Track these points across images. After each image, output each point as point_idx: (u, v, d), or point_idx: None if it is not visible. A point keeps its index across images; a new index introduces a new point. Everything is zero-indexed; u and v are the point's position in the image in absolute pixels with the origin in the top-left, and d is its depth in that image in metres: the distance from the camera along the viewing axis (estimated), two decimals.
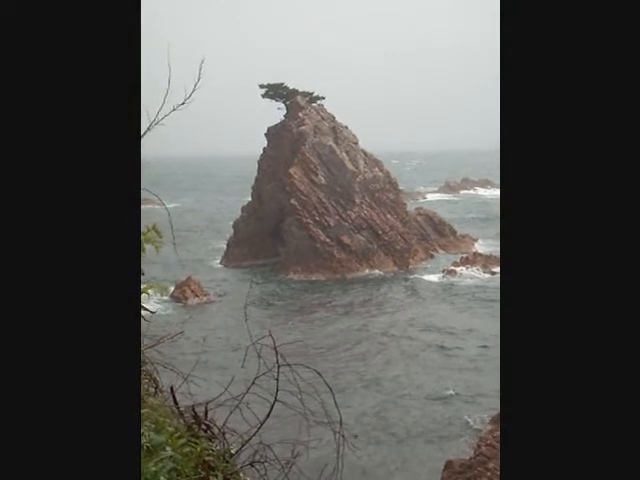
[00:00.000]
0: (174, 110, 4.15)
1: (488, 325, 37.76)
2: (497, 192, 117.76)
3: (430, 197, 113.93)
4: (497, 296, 42.85)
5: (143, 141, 3.27)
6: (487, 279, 50.98)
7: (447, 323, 40.15)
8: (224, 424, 4.13)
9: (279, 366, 4.41)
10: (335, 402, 4.70)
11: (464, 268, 53.89)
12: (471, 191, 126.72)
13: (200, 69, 4.44)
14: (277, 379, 4.43)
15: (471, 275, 52.76)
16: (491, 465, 19.11)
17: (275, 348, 4.48)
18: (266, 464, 4.11)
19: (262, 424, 4.31)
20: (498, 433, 19.95)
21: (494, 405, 24.35)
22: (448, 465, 20.80)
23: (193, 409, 3.95)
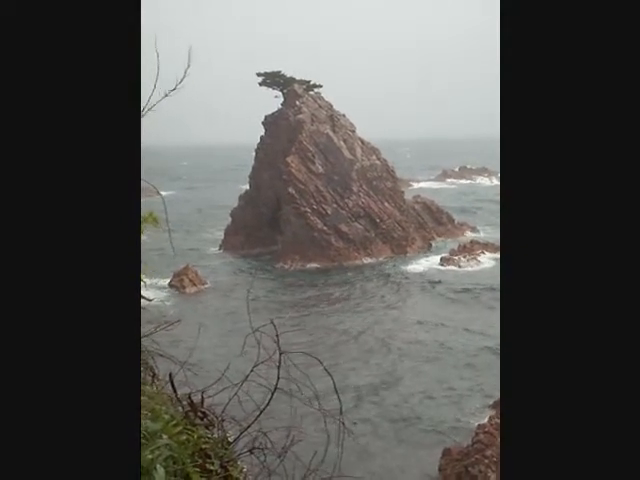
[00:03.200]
0: (166, 96, 4.13)
1: (481, 317, 37.63)
2: (491, 181, 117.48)
3: (420, 185, 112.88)
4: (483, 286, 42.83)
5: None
6: (486, 267, 50.94)
7: (444, 315, 40.13)
8: (223, 411, 4.13)
9: (280, 353, 4.39)
10: (336, 390, 4.69)
11: (462, 256, 53.90)
12: (469, 180, 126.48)
13: (189, 57, 4.41)
14: (279, 366, 4.41)
15: (469, 263, 52.75)
16: (489, 452, 19.21)
17: (277, 335, 4.47)
18: (266, 451, 4.11)
19: (262, 412, 4.31)
20: (496, 420, 20.05)
21: None
22: (446, 452, 20.90)
23: (189, 397, 3.95)
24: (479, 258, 53.63)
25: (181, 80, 4.16)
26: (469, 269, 51.66)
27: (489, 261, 52.23)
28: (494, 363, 29.53)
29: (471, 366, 30.80)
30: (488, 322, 35.51)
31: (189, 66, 4.25)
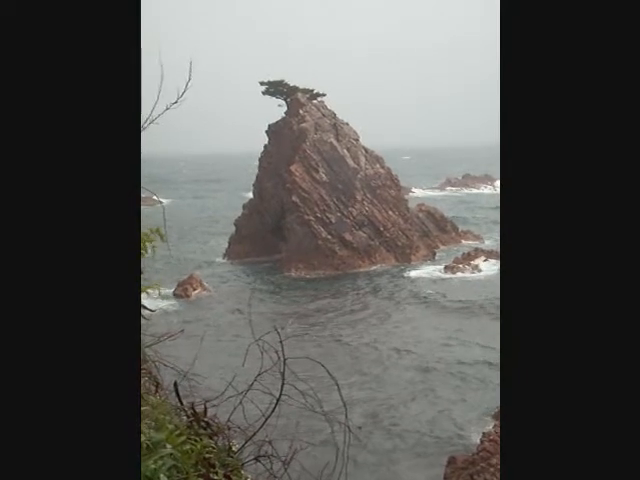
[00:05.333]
0: (167, 109, 4.16)
1: (483, 327, 37.19)
2: (494, 189, 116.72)
3: (427, 193, 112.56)
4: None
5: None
6: (490, 275, 50.71)
7: (446, 325, 39.90)
8: (228, 420, 4.12)
9: (285, 360, 4.37)
10: (341, 396, 4.67)
11: (465, 264, 53.80)
12: (472, 188, 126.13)
13: (190, 69, 4.44)
14: (283, 373, 4.39)
15: (473, 271, 52.64)
16: (494, 461, 19.09)
17: (281, 342, 4.45)
18: (272, 458, 4.09)
19: (267, 419, 4.29)
20: None
21: None
22: (451, 461, 20.79)
23: (192, 407, 3.94)
24: (483, 266, 53.51)
25: (182, 93, 4.18)
26: (473, 277, 51.52)
27: (493, 269, 52.05)
28: (489, 374, 29.43)
29: (467, 377, 30.46)
30: (490, 333, 35.06)
31: (190, 79, 4.26)
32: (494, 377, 29.10)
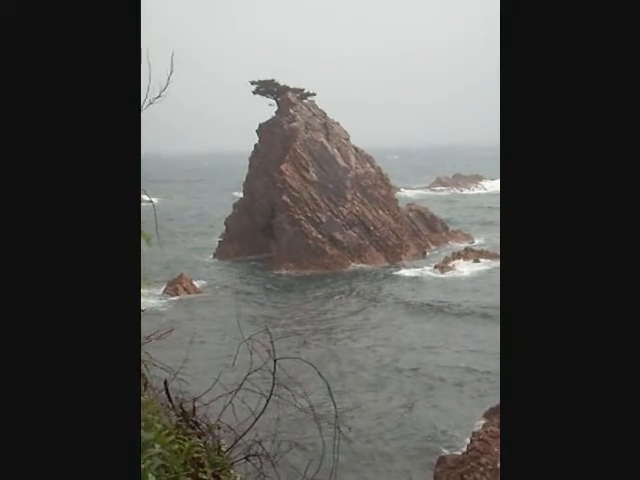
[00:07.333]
0: (150, 104, 4.14)
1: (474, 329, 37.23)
2: (485, 189, 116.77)
3: (418, 192, 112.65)
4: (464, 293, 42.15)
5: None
6: (481, 274, 50.85)
7: (433, 328, 39.93)
8: (218, 419, 4.11)
9: (275, 360, 4.36)
10: (331, 396, 4.66)
11: (455, 263, 53.97)
12: (463, 188, 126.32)
13: (172, 62, 4.44)
14: (274, 373, 4.38)
15: (463, 271, 52.79)
16: (484, 460, 19.14)
17: (272, 342, 4.44)
18: (262, 457, 4.08)
19: (257, 419, 4.29)
20: (491, 428, 20.00)
21: None
22: (441, 461, 20.83)
23: (181, 406, 3.92)
24: (473, 266, 53.72)
25: (164, 88, 4.17)
26: (463, 276, 51.64)
27: (483, 268, 52.22)
28: (467, 378, 29.55)
29: (447, 382, 30.42)
30: (478, 335, 35.03)
31: (172, 72, 4.25)
32: (474, 381, 29.22)
